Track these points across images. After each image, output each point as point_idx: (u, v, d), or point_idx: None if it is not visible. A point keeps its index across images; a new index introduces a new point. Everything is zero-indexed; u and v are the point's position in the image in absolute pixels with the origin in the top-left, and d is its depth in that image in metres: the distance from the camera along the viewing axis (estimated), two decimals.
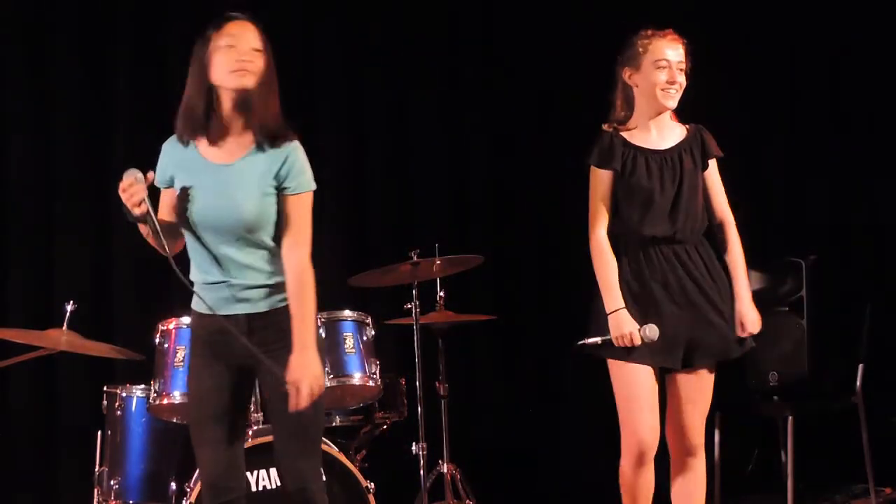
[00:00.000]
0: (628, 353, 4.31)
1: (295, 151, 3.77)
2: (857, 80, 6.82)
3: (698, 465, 4.45)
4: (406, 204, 6.50)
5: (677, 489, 4.48)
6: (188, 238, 3.83)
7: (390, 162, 6.55)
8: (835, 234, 6.77)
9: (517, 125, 6.64)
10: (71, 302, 4.88)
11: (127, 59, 6.23)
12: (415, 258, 5.36)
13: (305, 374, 3.67)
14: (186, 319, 4.83)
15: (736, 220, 4.46)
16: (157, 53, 6.24)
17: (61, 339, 4.84)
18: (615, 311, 4.29)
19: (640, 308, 4.31)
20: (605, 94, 4.31)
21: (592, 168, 4.38)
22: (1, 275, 6.10)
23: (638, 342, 4.24)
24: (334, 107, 6.47)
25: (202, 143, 3.79)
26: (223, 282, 3.78)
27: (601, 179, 4.36)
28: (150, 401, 4.89)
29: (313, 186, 3.80)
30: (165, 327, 4.89)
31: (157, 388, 4.86)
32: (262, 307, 3.79)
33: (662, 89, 4.33)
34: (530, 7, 6.59)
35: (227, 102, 3.73)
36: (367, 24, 6.52)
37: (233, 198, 3.72)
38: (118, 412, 5.06)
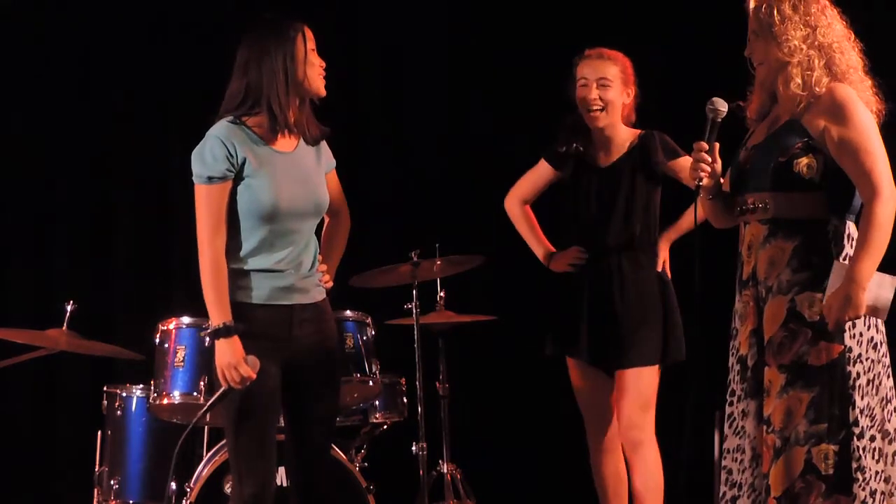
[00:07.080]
0: None
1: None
2: None
3: None
4: (406, 204, 6.49)
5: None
6: (256, 225, 3.79)
7: (390, 161, 6.54)
8: None
9: (518, 125, 6.63)
10: (71, 302, 4.88)
11: (128, 56, 6.24)
12: (415, 258, 5.36)
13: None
14: (187, 319, 4.85)
15: None
16: (157, 52, 6.25)
17: (61, 339, 4.84)
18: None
19: None
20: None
21: None
22: (1, 275, 6.10)
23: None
24: (333, 105, 6.45)
25: (262, 133, 3.83)
26: (289, 271, 3.81)
27: None
28: (150, 401, 4.89)
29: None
30: (165, 327, 4.89)
31: (157, 388, 4.86)
32: (309, 298, 3.87)
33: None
34: (536, 10, 6.57)
35: (296, 101, 3.87)
36: (366, 20, 6.52)
37: (309, 182, 3.88)
38: (118, 412, 5.06)
